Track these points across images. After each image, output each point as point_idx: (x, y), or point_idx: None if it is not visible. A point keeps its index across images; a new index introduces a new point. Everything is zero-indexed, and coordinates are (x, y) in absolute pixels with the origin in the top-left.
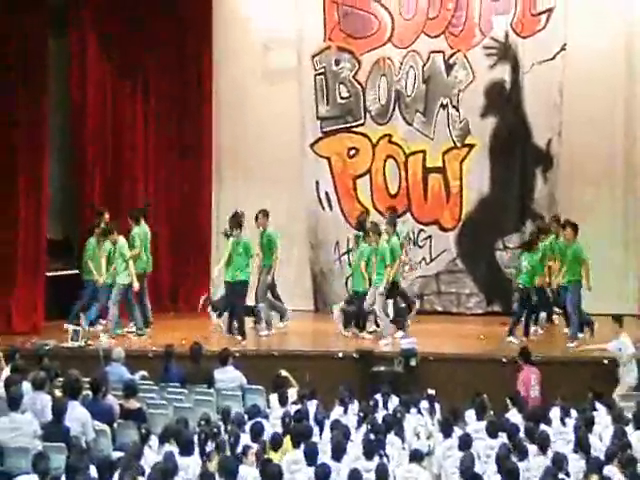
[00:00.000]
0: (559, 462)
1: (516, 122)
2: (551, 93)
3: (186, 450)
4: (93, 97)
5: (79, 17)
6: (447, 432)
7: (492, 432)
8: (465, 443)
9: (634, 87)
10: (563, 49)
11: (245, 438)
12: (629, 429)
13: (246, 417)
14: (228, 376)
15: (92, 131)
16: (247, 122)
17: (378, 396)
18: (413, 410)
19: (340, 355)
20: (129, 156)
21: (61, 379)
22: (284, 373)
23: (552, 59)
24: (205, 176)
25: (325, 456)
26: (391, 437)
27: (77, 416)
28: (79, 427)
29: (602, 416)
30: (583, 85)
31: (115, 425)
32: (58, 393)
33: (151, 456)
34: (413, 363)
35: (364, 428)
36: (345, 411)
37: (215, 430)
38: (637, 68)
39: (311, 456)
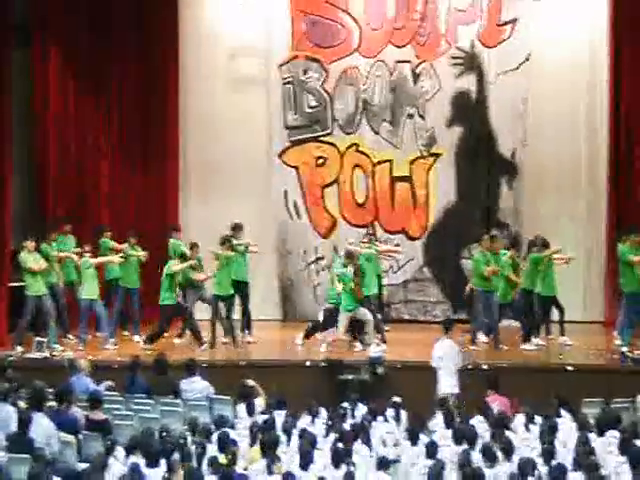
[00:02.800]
0: (525, 468)
1: (481, 131)
2: (516, 103)
3: (152, 461)
4: (56, 110)
5: (42, 29)
6: (413, 440)
7: (458, 439)
8: (431, 450)
9: (597, 97)
10: (527, 59)
11: (212, 448)
12: (593, 435)
13: (213, 427)
14: (195, 386)
15: (55, 144)
16: (214, 132)
17: (346, 404)
18: (380, 418)
19: (308, 364)
20: (93, 167)
21: (25, 390)
22: (251, 383)
23: (517, 69)
24: (171, 186)
25: (293, 465)
26: (358, 445)
27: (42, 427)
28: (44, 438)
29: (566, 422)
30: (547, 95)
31: (80, 436)
32: (22, 404)
33: (117, 467)
34: (380, 371)
35: (332, 437)
36: (313, 420)
37: (181, 441)
38: (600, 78)
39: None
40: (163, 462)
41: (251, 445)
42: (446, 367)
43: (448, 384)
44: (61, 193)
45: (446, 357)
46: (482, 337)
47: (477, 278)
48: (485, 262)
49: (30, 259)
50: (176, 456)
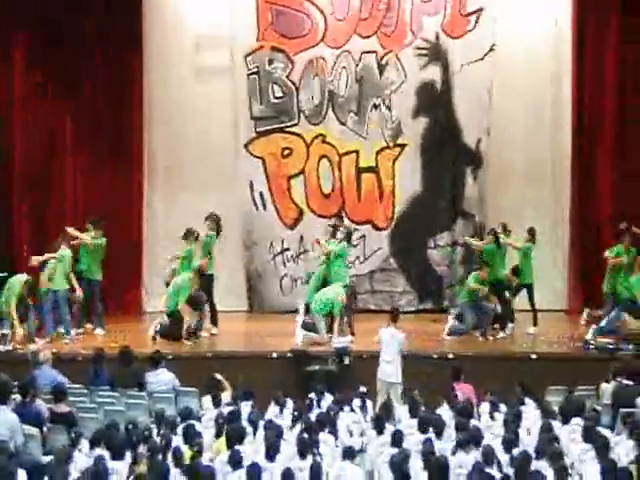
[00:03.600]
0: (488, 456)
1: (447, 122)
2: (481, 93)
3: (117, 454)
4: (20, 106)
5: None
6: (379, 429)
7: (423, 428)
8: (397, 440)
9: (561, 87)
10: (492, 49)
11: (177, 440)
12: (556, 423)
13: (179, 419)
14: (160, 378)
15: (19, 132)
16: (179, 122)
17: (312, 395)
18: (346, 408)
19: (274, 355)
20: (59, 160)
21: None
22: (218, 377)
23: (481, 59)
24: (136, 177)
25: (259, 456)
26: (324, 435)
27: (6, 420)
28: (8, 431)
29: (531, 411)
30: (512, 85)
31: (45, 429)
32: None
33: (82, 460)
34: (347, 362)
35: (298, 427)
36: (281, 411)
37: (146, 433)
38: (564, 68)
39: (235, 462)
40: (128, 454)
41: (217, 437)
42: (386, 354)
43: (387, 371)
44: (26, 191)
45: (387, 344)
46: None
47: None
48: None
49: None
50: (141, 448)
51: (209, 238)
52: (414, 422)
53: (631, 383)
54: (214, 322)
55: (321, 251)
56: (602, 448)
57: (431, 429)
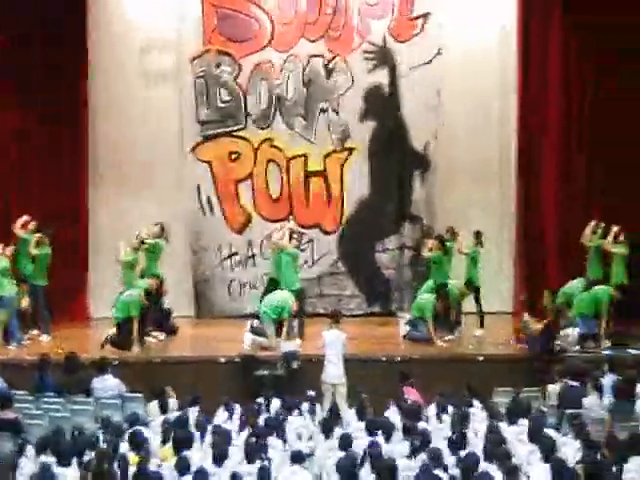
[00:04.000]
0: (435, 458)
1: (394, 126)
2: (428, 96)
3: (63, 460)
4: None
5: None
6: (327, 433)
7: (371, 431)
8: (345, 443)
9: (508, 89)
10: (439, 53)
11: (124, 447)
12: (504, 424)
13: (125, 425)
14: (106, 384)
15: None
16: (126, 127)
17: (261, 399)
18: (295, 412)
19: (223, 360)
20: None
21: None
22: (170, 392)
23: (429, 63)
24: (81, 181)
25: (206, 462)
26: (273, 440)
27: None
28: None
29: (478, 412)
30: (458, 88)
31: None
32: None
33: (28, 466)
34: (295, 366)
35: (246, 432)
36: (230, 416)
37: (93, 439)
38: (511, 70)
39: (182, 468)
40: (74, 461)
41: (164, 443)
42: (331, 356)
43: (333, 373)
44: None
45: (331, 346)
46: None
47: None
48: None
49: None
50: (88, 455)
51: (156, 246)
52: (362, 425)
53: (577, 384)
54: (160, 328)
55: (273, 245)
56: (548, 449)
57: (379, 432)
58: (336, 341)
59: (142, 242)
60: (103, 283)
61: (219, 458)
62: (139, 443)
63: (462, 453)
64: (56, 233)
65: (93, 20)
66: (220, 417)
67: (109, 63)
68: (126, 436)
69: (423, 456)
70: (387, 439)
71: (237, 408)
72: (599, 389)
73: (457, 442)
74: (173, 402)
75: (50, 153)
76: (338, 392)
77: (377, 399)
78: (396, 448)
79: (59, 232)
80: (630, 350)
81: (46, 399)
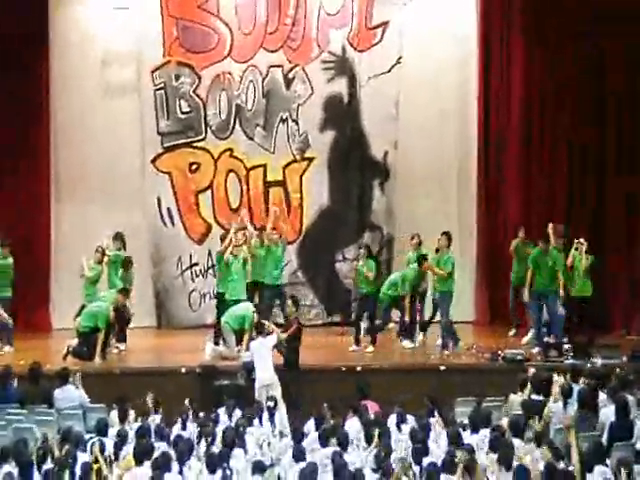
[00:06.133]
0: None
1: (354, 135)
2: (387, 106)
3: (26, 471)
4: None
5: None
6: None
7: (324, 441)
8: (299, 455)
9: (467, 98)
10: (398, 62)
11: (84, 457)
12: (467, 433)
13: (87, 436)
14: (68, 395)
15: None
16: (86, 138)
17: (221, 410)
18: (256, 422)
19: (183, 370)
20: None
21: None
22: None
23: (388, 72)
24: (43, 192)
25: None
26: (234, 450)
27: None
28: None
29: (440, 422)
30: (418, 97)
31: None
32: None
33: None
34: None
35: (204, 442)
36: (184, 426)
37: (55, 450)
38: (470, 79)
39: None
40: (36, 472)
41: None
42: (258, 362)
43: (262, 377)
44: None
45: (257, 353)
46: None
47: None
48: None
49: None
50: (49, 465)
51: (116, 257)
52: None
53: (540, 398)
54: (123, 339)
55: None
56: (509, 458)
57: (334, 441)
58: (260, 348)
59: (103, 254)
60: (65, 294)
61: (180, 468)
62: (100, 452)
63: (424, 463)
64: (15, 243)
65: (54, 33)
66: (179, 427)
67: (70, 76)
68: (87, 446)
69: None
70: (344, 449)
71: (196, 418)
72: (564, 398)
73: (417, 453)
74: (133, 412)
75: (12, 165)
76: (272, 390)
77: (337, 409)
78: (354, 458)
79: (21, 243)
80: (594, 360)
81: (9, 410)
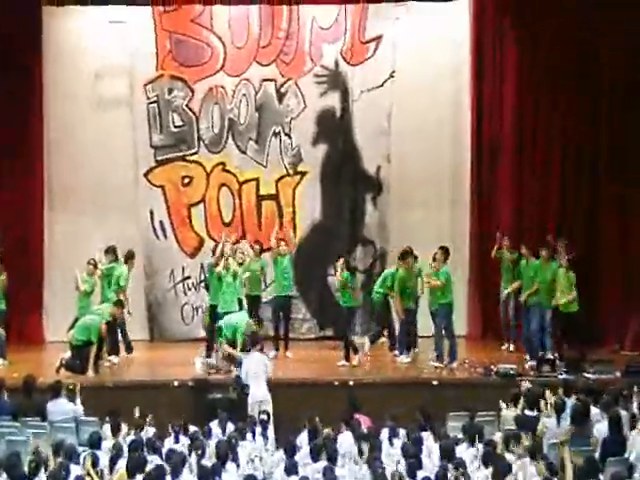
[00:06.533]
0: None
1: (346, 149)
2: (380, 120)
3: None
4: None
5: None
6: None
7: (315, 455)
8: (291, 469)
9: (460, 112)
10: (392, 76)
11: (77, 470)
12: (459, 448)
13: (80, 449)
14: (61, 408)
15: None
16: (79, 152)
17: (213, 423)
18: (248, 436)
19: (176, 384)
20: None
21: None
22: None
23: (381, 86)
24: (37, 206)
25: None
26: (227, 464)
27: None
28: None
29: (432, 437)
30: (410, 110)
31: None
32: None
33: None
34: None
35: (195, 456)
36: (177, 439)
37: (49, 462)
38: (463, 94)
39: None
40: None
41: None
42: (254, 378)
43: (256, 394)
44: None
45: (252, 369)
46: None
47: None
48: None
49: None
50: (42, 478)
51: (109, 270)
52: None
53: (533, 414)
54: (115, 352)
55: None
56: (502, 472)
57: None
58: (255, 363)
59: (95, 266)
60: (58, 307)
61: None
62: (93, 466)
63: (418, 478)
64: (8, 254)
65: (47, 46)
66: (171, 441)
67: (63, 89)
68: (80, 459)
69: None
70: (333, 463)
71: (189, 432)
72: (557, 413)
73: (411, 467)
74: (124, 425)
75: (6, 177)
76: (265, 407)
77: (329, 423)
78: (346, 472)
79: (14, 254)
80: (586, 375)
81: (2, 423)
